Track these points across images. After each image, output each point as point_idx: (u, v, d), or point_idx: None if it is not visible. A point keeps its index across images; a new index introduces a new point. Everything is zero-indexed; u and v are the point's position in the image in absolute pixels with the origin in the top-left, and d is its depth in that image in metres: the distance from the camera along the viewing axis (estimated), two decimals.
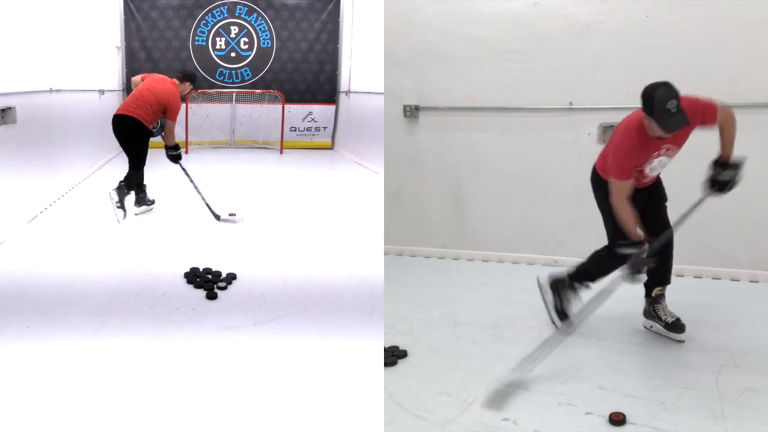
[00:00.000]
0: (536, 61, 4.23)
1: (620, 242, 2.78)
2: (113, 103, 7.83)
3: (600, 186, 2.96)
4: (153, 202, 4.82)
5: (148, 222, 4.46)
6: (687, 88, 3.86)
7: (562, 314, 3.12)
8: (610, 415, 2.35)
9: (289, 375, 2.41)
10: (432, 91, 4.57)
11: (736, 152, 3.75)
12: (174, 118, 4.58)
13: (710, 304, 3.40)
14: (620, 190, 2.74)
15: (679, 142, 2.75)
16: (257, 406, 2.20)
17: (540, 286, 3.23)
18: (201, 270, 3.39)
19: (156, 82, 4.62)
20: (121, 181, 4.49)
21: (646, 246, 2.76)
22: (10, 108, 4.08)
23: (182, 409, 2.14)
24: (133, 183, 4.61)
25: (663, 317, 3.01)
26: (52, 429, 2.02)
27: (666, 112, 2.49)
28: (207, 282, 3.25)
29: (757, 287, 3.75)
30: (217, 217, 4.53)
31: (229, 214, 4.63)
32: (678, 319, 2.97)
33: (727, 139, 2.79)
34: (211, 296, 3.11)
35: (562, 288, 3.16)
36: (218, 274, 3.38)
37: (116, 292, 3.13)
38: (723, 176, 2.79)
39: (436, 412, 2.48)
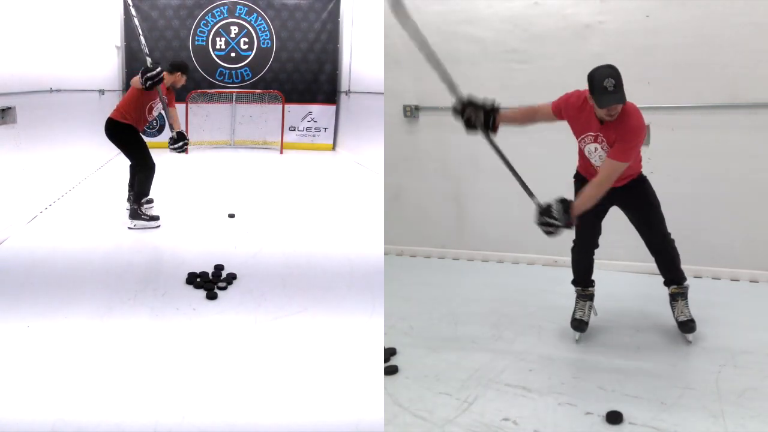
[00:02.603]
0: (536, 61, 4.23)
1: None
2: (113, 103, 7.82)
3: (575, 179, 3.11)
4: (155, 218, 4.41)
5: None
6: (687, 88, 3.90)
7: (573, 322, 3.12)
8: (606, 414, 2.36)
9: (289, 375, 2.41)
10: (432, 91, 4.55)
11: (737, 155, 3.78)
12: (137, 83, 4.14)
13: (710, 304, 3.40)
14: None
15: (609, 140, 2.73)
16: (257, 405, 2.20)
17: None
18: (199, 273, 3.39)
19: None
20: (132, 204, 4.33)
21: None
22: (10, 108, 4.08)
23: (182, 410, 2.14)
24: (145, 187, 4.38)
25: (675, 315, 3.04)
26: (50, 425, 2.02)
27: (603, 89, 2.58)
28: (207, 282, 3.26)
29: (757, 287, 3.75)
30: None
31: (229, 215, 4.63)
32: (690, 320, 2.98)
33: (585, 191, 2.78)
34: (211, 296, 3.11)
35: (575, 304, 3.20)
36: (218, 274, 3.38)
37: (116, 292, 3.13)
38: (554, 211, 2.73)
39: (436, 412, 2.48)
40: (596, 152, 2.82)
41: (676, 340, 3.00)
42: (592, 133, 2.80)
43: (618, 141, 2.69)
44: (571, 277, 3.23)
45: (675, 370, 2.76)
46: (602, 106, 2.61)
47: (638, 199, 2.95)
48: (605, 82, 2.58)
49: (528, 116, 3.10)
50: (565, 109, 2.89)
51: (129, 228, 4.31)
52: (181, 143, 4.37)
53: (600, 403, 2.47)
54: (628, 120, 2.67)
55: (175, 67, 4.48)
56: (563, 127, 4.21)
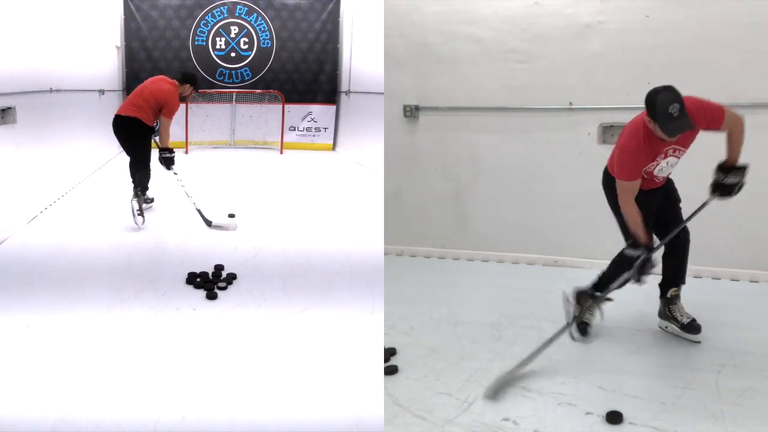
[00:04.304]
0: (536, 61, 4.23)
1: (627, 244, 2.79)
2: (113, 103, 7.85)
3: (610, 186, 2.96)
4: (152, 200, 4.76)
5: (148, 222, 4.45)
6: (687, 88, 3.88)
7: (582, 325, 3.08)
8: (606, 414, 2.36)
9: (289, 375, 2.41)
10: (432, 91, 4.57)
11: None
12: (170, 116, 4.51)
13: (710, 304, 3.40)
14: (627, 192, 2.75)
15: (685, 143, 2.75)
16: (258, 406, 2.20)
17: (565, 297, 3.18)
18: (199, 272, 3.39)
19: (154, 81, 4.60)
20: (136, 189, 4.41)
21: (652, 247, 2.75)
22: (10, 108, 4.08)
23: (182, 409, 2.14)
24: (146, 182, 4.55)
25: (679, 318, 3.01)
26: (51, 424, 2.02)
27: (668, 116, 2.50)
28: (207, 282, 3.26)
29: (757, 287, 3.75)
30: (209, 224, 4.36)
31: (229, 215, 4.63)
32: (693, 320, 2.97)
33: (734, 143, 2.78)
34: (211, 296, 3.11)
35: (585, 299, 3.12)
36: (218, 274, 3.38)
37: (116, 291, 3.13)
38: (728, 180, 2.78)
39: (436, 412, 2.48)
40: (667, 162, 2.79)
41: (676, 340, 3.00)
42: (663, 152, 2.73)
43: (704, 119, 2.66)
44: (569, 276, 3.20)
45: (675, 370, 2.76)
46: (672, 135, 2.56)
47: (675, 197, 2.98)
48: (670, 109, 2.49)
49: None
50: (641, 164, 2.74)
51: (131, 201, 4.40)
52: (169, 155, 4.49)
53: (600, 403, 2.47)
54: (696, 103, 2.66)
55: (186, 78, 4.70)
56: (564, 127, 4.24)
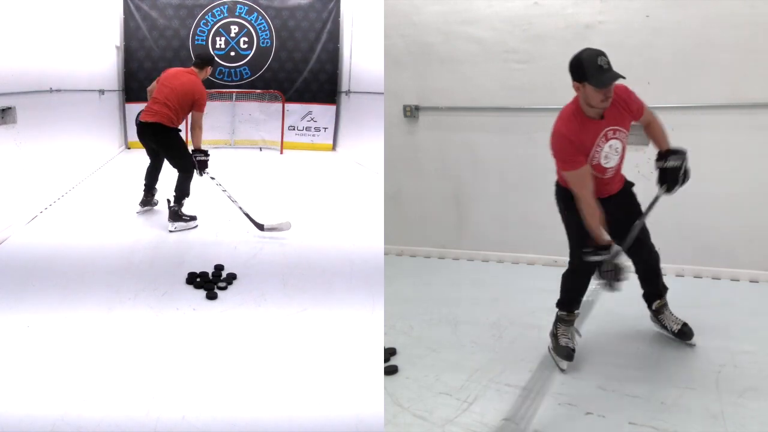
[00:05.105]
0: (536, 61, 4.23)
1: (585, 250, 2.58)
2: (113, 103, 7.87)
3: (559, 195, 2.84)
4: (193, 218, 4.38)
5: (148, 222, 4.46)
6: (688, 88, 3.90)
7: (562, 350, 2.82)
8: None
9: (289, 375, 2.41)
10: (432, 91, 4.57)
11: (737, 155, 3.78)
12: (202, 109, 4.27)
13: (710, 304, 3.40)
14: (577, 180, 2.57)
15: (623, 123, 2.62)
16: (258, 406, 2.20)
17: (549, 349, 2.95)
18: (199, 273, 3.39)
19: (173, 78, 4.29)
20: (171, 205, 4.26)
21: (615, 249, 2.56)
22: (10, 108, 4.08)
23: (182, 409, 2.14)
24: (186, 190, 4.34)
25: (669, 327, 2.98)
26: (51, 424, 2.02)
27: (599, 68, 2.45)
28: (207, 282, 3.26)
29: (757, 287, 3.75)
30: (261, 227, 4.15)
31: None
32: (684, 325, 2.94)
33: (658, 133, 2.74)
34: (211, 296, 3.11)
35: (555, 328, 2.93)
36: (218, 274, 3.38)
37: (116, 292, 3.13)
38: (668, 164, 2.68)
39: (436, 412, 2.48)
40: (611, 147, 2.62)
41: (676, 341, 3.00)
42: (603, 134, 2.59)
43: (634, 103, 2.62)
44: None
45: (675, 370, 2.76)
46: (605, 85, 2.45)
47: (634, 207, 2.81)
48: (599, 61, 2.45)
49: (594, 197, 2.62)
50: (578, 147, 2.57)
51: (170, 231, 4.23)
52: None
53: (600, 403, 2.47)
54: (625, 89, 2.62)
55: (205, 61, 4.45)
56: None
